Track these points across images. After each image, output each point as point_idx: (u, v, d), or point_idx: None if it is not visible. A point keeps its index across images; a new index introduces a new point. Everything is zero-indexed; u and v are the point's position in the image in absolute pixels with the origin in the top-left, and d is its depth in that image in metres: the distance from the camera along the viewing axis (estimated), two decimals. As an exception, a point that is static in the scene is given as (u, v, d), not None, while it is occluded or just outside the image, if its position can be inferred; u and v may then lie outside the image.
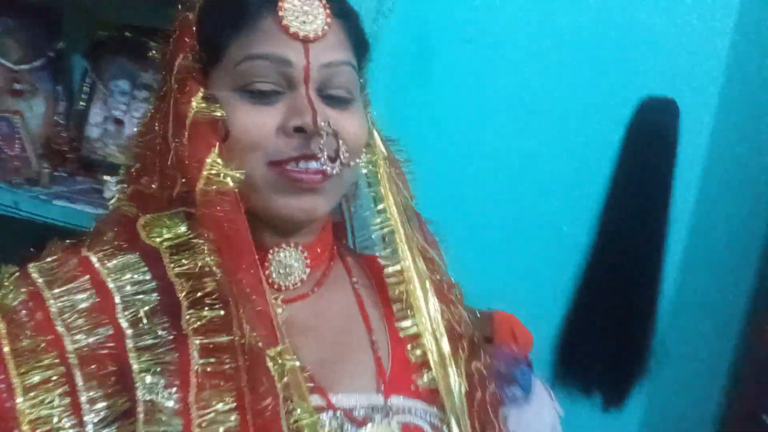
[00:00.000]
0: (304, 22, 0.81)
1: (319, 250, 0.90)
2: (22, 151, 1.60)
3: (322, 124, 0.79)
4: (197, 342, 0.74)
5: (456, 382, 0.90)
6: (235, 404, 0.72)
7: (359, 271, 0.96)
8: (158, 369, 0.74)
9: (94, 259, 0.79)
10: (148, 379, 0.73)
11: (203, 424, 0.71)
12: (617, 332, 1.71)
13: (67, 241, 0.82)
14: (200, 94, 0.80)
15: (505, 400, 1.48)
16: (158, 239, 0.80)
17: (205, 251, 0.76)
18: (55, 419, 0.71)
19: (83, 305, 0.76)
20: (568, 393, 1.70)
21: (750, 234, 1.65)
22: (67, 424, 0.71)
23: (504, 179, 1.70)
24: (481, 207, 1.71)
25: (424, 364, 0.89)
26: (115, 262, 0.79)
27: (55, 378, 0.72)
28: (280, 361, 0.74)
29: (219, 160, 0.78)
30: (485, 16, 1.66)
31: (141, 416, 0.72)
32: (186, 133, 0.79)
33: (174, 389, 0.73)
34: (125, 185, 0.87)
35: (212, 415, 0.71)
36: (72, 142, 1.66)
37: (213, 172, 0.77)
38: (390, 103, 1.62)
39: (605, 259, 1.71)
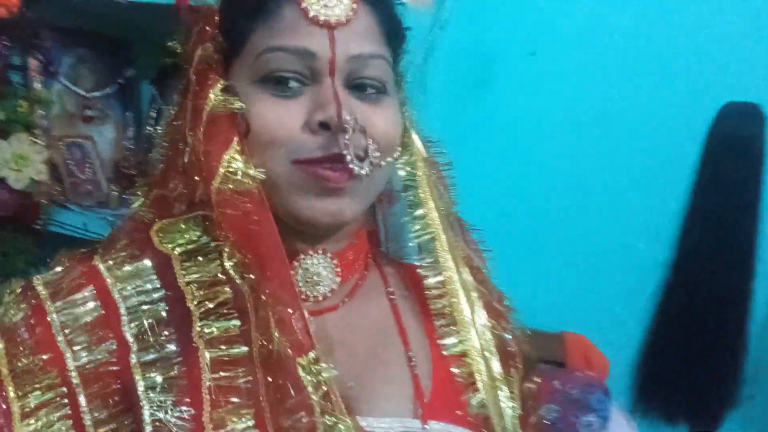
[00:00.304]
0: (327, 6, 0.74)
1: (351, 257, 0.83)
2: (93, 174, 1.64)
3: (348, 118, 0.73)
4: (208, 355, 0.69)
5: (508, 405, 0.82)
6: (253, 422, 0.67)
7: (398, 281, 0.88)
8: (166, 385, 0.69)
9: (102, 267, 0.75)
10: (155, 396, 0.68)
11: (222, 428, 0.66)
12: (703, 355, 1.58)
13: (81, 249, 0.78)
14: (219, 86, 0.75)
15: (580, 429, 1.39)
16: (170, 245, 0.75)
17: (224, 255, 0.71)
18: None
19: (86, 319, 0.72)
20: (650, 422, 1.58)
21: None
22: None
23: (573, 194, 1.62)
24: (551, 224, 1.63)
25: (472, 385, 0.81)
26: (123, 270, 0.74)
27: (56, 399, 0.69)
28: (314, 370, 0.68)
29: (237, 156, 0.73)
30: (549, 27, 1.60)
31: None
32: (202, 128, 0.74)
33: (184, 407, 0.68)
34: (149, 189, 0.82)
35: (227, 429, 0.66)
36: (140, 165, 1.69)
37: (231, 169, 0.72)
38: (448, 117, 1.58)
39: (687, 278, 1.60)
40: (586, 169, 1.61)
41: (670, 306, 1.61)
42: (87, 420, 0.68)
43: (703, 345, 1.58)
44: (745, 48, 1.52)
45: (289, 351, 0.68)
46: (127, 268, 0.75)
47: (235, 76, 0.77)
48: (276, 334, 0.68)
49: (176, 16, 0.86)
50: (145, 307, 0.72)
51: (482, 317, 0.84)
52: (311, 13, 0.74)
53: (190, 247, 0.75)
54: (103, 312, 0.72)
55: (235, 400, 0.67)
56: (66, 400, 0.68)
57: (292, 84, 0.75)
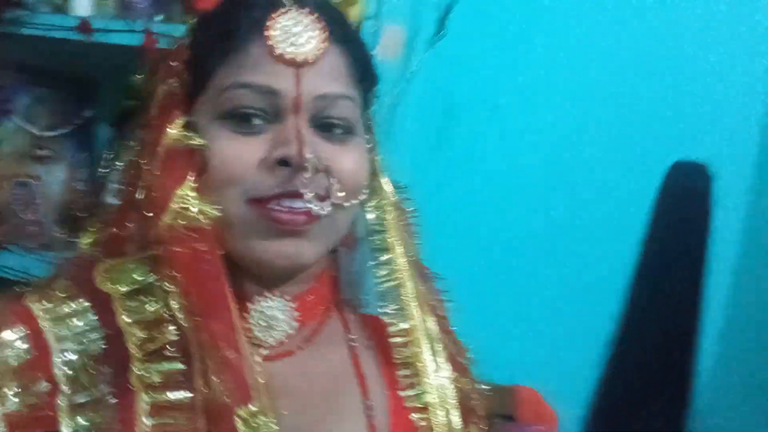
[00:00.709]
0: (294, 44, 0.73)
1: (311, 301, 0.81)
2: (38, 216, 1.59)
3: (310, 156, 0.71)
4: (147, 399, 0.66)
5: None
6: None
7: (360, 329, 0.87)
8: (96, 428, 0.65)
9: (34, 308, 0.71)
10: None
11: None
12: (651, 412, 1.60)
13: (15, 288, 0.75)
14: (179, 122, 0.74)
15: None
16: (113, 285, 0.72)
17: (169, 295, 0.69)
18: None
19: (17, 362, 0.68)
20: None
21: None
22: None
23: (529, 249, 1.63)
24: (507, 276, 1.64)
25: None
26: (59, 310, 0.71)
27: None
28: (254, 424, 0.65)
29: (191, 193, 0.71)
30: (511, 81, 1.63)
31: None
32: (159, 162, 0.72)
33: None
34: (101, 228, 0.79)
35: None
36: (90, 208, 1.65)
37: (183, 205, 0.70)
38: (413, 167, 1.59)
39: (635, 332, 1.62)
40: (541, 224, 1.62)
41: (620, 360, 1.62)
42: None
43: (651, 402, 1.60)
44: (695, 108, 1.57)
45: (228, 400, 0.65)
46: (63, 308, 0.71)
47: (197, 113, 0.76)
48: (216, 382, 0.66)
49: (142, 57, 0.85)
50: (80, 347, 0.69)
51: (445, 369, 0.82)
52: (277, 51, 0.73)
53: (134, 287, 0.72)
54: (36, 354, 0.69)
55: None
56: None
57: (255, 121, 0.73)
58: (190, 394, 0.66)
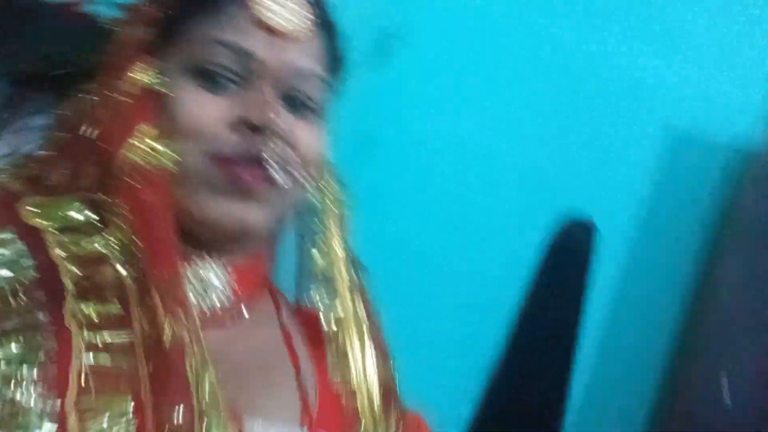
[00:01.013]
0: (281, 15, 0.74)
1: (247, 275, 0.79)
2: None
3: (276, 121, 0.71)
4: (84, 336, 0.62)
5: None
6: (131, 410, 0.61)
7: (290, 312, 0.87)
8: (24, 358, 0.61)
9: None
10: (7, 370, 0.59)
11: (87, 427, 0.59)
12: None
13: None
14: (144, 66, 0.72)
15: None
16: (44, 221, 0.68)
17: (112, 236, 0.67)
18: None
19: None
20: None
21: (653, 361, 1.67)
22: None
23: (415, 298, 1.63)
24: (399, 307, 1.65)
25: (356, 417, 0.80)
26: None
27: None
28: (200, 373, 0.64)
29: (152, 134, 0.69)
30: (399, 141, 1.63)
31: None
32: (119, 104, 0.70)
33: (46, 385, 0.60)
34: (19, 171, 0.75)
35: (100, 423, 0.59)
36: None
37: (143, 143, 0.69)
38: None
39: (511, 379, 1.68)
40: (425, 277, 1.64)
41: (495, 406, 1.67)
42: None
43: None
44: (582, 164, 1.67)
45: (177, 347, 0.63)
46: None
47: (164, 63, 0.74)
48: (166, 328, 0.63)
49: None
50: (9, 274, 0.64)
51: (371, 354, 0.83)
52: (263, 18, 0.73)
53: (69, 224, 0.68)
54: None
55: (110, 386, 0.61)
56: None
57: (224, 81, 0.72)
58: (128, 338, 0.63)
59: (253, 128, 0.71)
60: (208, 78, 0.72)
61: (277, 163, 0.72)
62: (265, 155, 0.71)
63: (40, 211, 0.69)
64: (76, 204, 0.69)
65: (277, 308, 0.85)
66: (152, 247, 0.66)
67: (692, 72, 1.65)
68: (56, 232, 0.67)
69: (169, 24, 0.75)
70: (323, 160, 0.81)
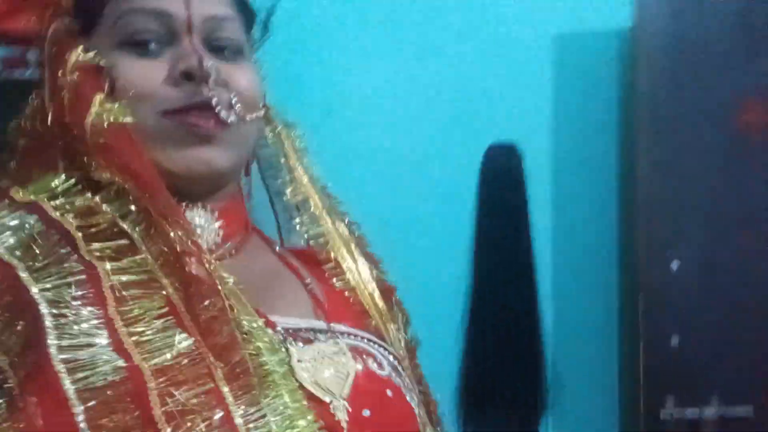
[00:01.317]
0: None
1: (232, 215, 0.86)
2: None
3: (211, 65, 0.78)
4: (107, 266, 0.69)
5: (397, 337, 0.88)
6: (167, 308, 0.68)
7: (282, 252, 0.93)
8: (66, 281, 0.68)
9: None
10: (51, 294, 0.67)
11: (133, 329, 0.66)
12: (511, 370, 1.74)
13: None
14: (80, 48, 0.79)
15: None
16: (32, 195, 0.75)
17: (96, 188, 0.73)
18: None
19: None
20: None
21: (608, 241, 1.80)
22: None
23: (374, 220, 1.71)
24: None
25: (364, 312, 0.89)
26: None
27: None
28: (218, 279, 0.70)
29: (108, 103, 0.76)
30: (340, 89, 1.75)
31: (52, 335, 0.65)
32: (69, 83, 0.76)
33: (87, 301, 0.67)
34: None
35: (143, 325, 0.66)
36: None
37: (103, 109, 0.75)
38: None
39: (484, 300, 1.77)
40: (383, 203, 1.72)
41: (475, 327, 1.75)
42: None
43: (508, 360, 1.74)
44: (504, 95, 1.79)
45: (194, 254, 0.70)
46: None
47: (95, 46, 0.80)
48: (182, 237, 0.71)
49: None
50: (20, 233, 0.70)
51: (362, 261, 0.91)
52: None
53: (56, 191, 0.75)
54: None
55: (144, 293, 0.68)
56: None
57: (152, 45, 0.80)
58: (145, 257, 0.71)
59: (192, 78, 0.78)
60: (139, 45, 0.79)
61: (221, 104, 0.79)
62: (209, 99, 0.77)
63: (30, 191, 0.76)
64: (55, 176, 0.76)
65: (267, 243, 0.91)
66: (141, 183, 0.73)
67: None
68: (48, 200, 0.74)
69: (89, 13, 0.81)
70: (262, 96, 0.89)
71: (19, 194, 0.76)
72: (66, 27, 0.81)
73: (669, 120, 1.71)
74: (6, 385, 0.64)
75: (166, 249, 0.69)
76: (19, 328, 0.65)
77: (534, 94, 1.81)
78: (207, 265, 0.70)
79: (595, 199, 1.82)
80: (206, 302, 0.67)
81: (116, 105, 0.75)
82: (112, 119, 0.74)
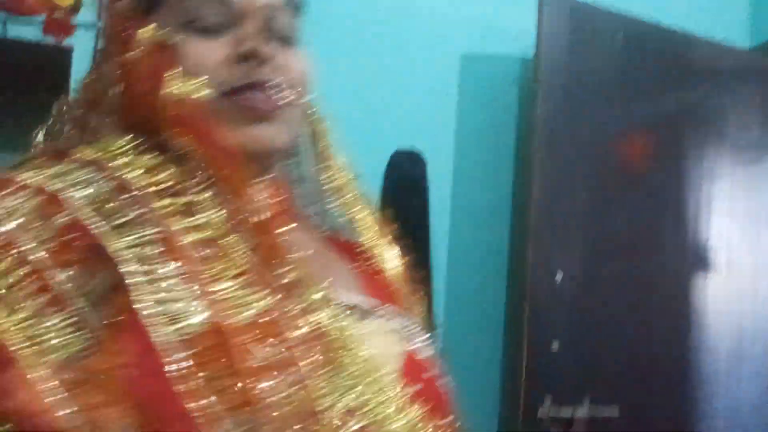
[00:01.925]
0: None
1: (279, 190, 0.87)
2: None
3: (270, 49, 0.81)
4: (182, 224, 0.70)
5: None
6: (244, 269, 0.69)
7: (322, 238, 0.94)
8: (146, 239, 0.68)
9: (24, 176, 0.71)
10: (133, 251, 0.67)
11: (212, 288, 0.67)
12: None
13: None
14: (152, 26, 0.79)
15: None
16: (101, 153, 0.74)
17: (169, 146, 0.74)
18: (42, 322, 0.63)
19: (27, 206, 0.68)
20: None
21: (500, 250, 1.93)
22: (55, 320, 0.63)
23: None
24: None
25: (399, 295, 0.89)
26: (53, 170, 0.72)
27: (23, 283, 0.64)
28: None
29: (179, 76, 0.76)
30: None
31: (135, 291, 0.65)
32: (139, 58, 0.77)
33: (167, 258, 0.67)
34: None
35: (224, 282, 0.68)
36: None
37: (180, 84, 0.76)
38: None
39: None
40: None
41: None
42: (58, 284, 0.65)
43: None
44: (409, 103, 1.87)
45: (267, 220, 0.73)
46: (55, 168, 0.72)
47: (157, 26, 0.80)
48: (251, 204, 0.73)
49: None
50: (90, 189, 0.70)
51: (393, 248, 0.94)
52: None
53: (122, 150, 0.75)
54: (44, 198, 0.68)
55: (221, 253, 0.69)
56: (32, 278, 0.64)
57: (214, 28, 0.81)
58: (222, 212, 0.72)
59: (251, 59, 0.80)
60: (200, 27, 0.80)
61: (280, 85, 0.81)
62: (269, 80, 0.80)
63: (91, 148, 0.75)
64: (116, 140, 0.76)
65: (310, 226, 0.91)
66: (221, 151, 0.75)
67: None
68: (111, 159, 0.74)
69: None
70: (312, 82, 0.90)
71: (85, 152, 0.75)
72: (130, 4, 0.82)
73: (561, 146, 1.87)
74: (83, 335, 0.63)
75: (245, 212, 0.72)
76: (97, 280, 0.66)
77: (439, 108, 1.91)
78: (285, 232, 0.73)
79: (491, 211, 1.95)
80: (284, 267, 0.71)
81: (192, 81, 0.76)
82: (189, 94, 0.76)
